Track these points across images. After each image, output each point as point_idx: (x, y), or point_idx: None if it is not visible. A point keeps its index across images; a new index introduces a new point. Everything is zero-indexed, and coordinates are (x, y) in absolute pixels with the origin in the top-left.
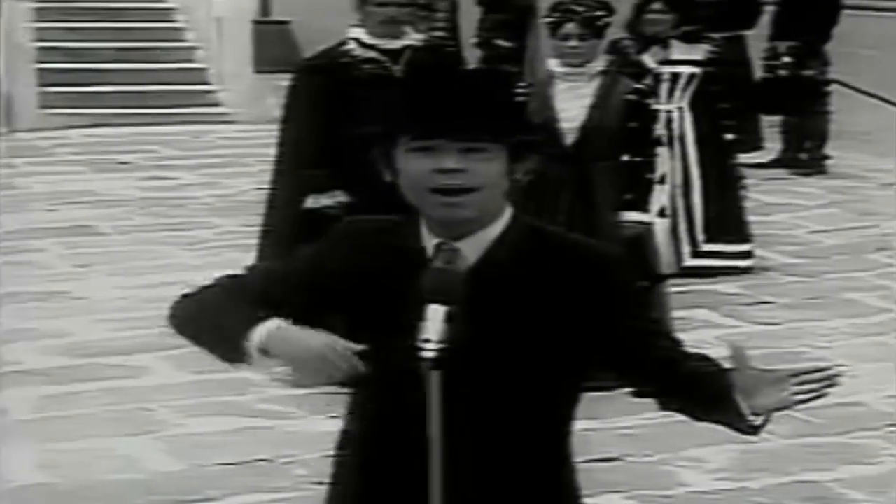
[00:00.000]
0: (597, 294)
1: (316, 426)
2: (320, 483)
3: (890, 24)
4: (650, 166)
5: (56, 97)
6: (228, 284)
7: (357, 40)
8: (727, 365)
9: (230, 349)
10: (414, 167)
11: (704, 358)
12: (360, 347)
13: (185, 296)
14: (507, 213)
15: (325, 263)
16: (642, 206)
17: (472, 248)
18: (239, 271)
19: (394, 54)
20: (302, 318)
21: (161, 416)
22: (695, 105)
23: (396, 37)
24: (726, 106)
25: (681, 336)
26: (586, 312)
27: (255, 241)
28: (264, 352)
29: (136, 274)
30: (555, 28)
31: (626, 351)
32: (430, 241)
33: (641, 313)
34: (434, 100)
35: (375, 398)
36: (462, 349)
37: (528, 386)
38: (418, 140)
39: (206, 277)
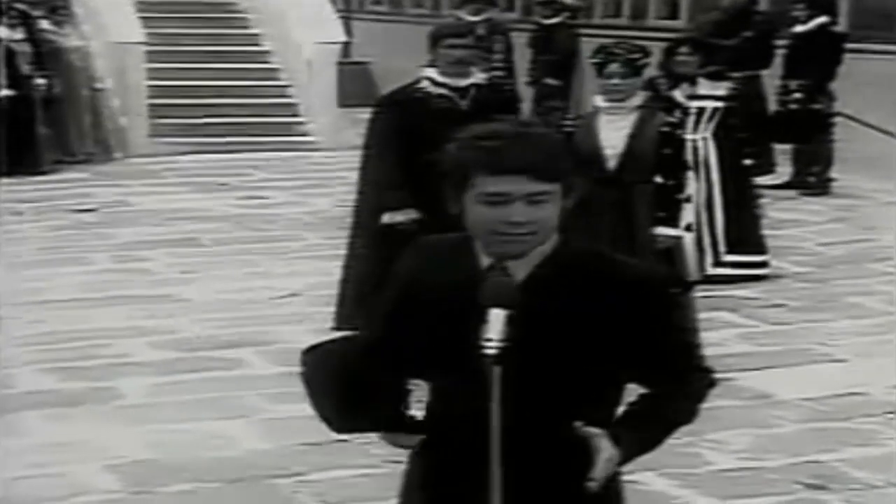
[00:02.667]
0: (630, 308)
1: None
2: (393, 461)
3: (888, 65)
4: (680, 188)
5: (165, 128)
6: (365, 348)
7: (429, 79)
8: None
9: (372, 422)
10: (483, 217)
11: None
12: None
13: (318, 351)
14: (555, 237)
15: (405, 279)
16: (673, 222)
17: (520, 267)
18: (364, 331)
19: (461, 91)
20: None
21: (254, 402)
22: (717, 135)
23: (463, 76)
24: (744, 135)
25: (702, 338)
26: (621, 323)
27: (336, 252)
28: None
29: (234, 280)
30: (600, 68)
31: (647, 361)
32: (484, 260)
33: (671, 326)
34: (506, 147)
35: (444, 391)
36: (518, 348)
37: (576, 380)
38: (490, 186)
39: (293, 283)
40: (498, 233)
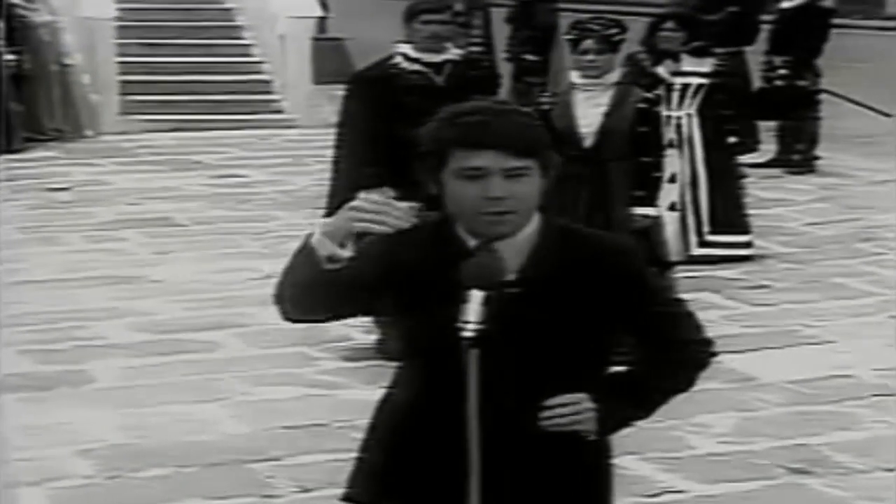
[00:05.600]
0: (615, 281)
1: (367, 395)
2: None
3: (874, 41)
4: (658, 166)
5: (137, 105)
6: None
7: (404, 55)
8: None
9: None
10: (463, 192)
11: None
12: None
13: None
14: (537, 216)
15: (378, 257)
16: (651, 202)
17: (507, 249)
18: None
19: (436, 67)
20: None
21: (230, 385)
22: (701, 112)
23: (439, 51)
24: (729, 112)
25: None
26: (607, 297)
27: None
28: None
29: (209, 260)
30: (575, 44)
31: (641, 326)
32: (468, 241)
33: (654, 295)
34: (483, 122)
35: (420, 372)
36: (497, 331)
37: (557, 362)
38: (468, 160)
39: (270, 264)
40: (479, 211)
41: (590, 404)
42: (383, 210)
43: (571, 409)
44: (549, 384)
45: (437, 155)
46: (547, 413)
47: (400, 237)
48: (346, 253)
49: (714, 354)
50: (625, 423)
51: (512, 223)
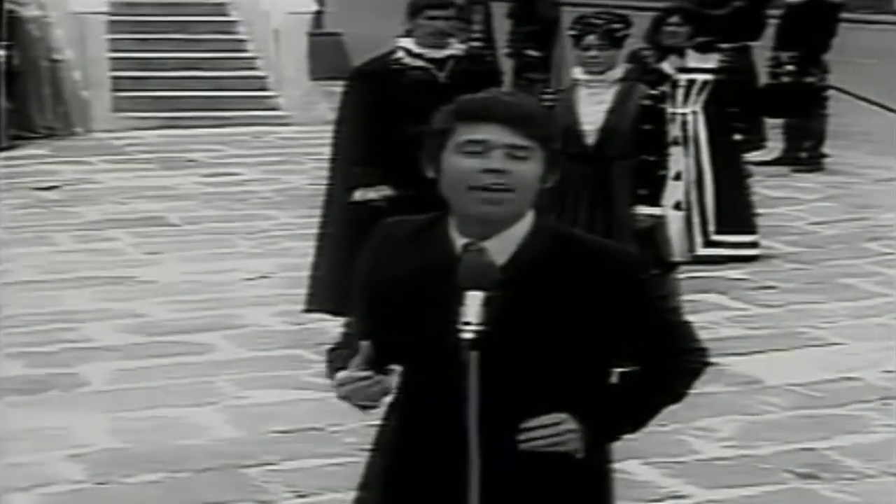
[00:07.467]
0: (609, 289)
1: None
2: (367, 450)
3: (883, 37)
4: (662, 165)
5: (128, 102)
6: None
7: (406, 50)
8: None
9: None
10: (462, 165)
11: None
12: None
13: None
14: (529, 216)
15: (372, 268)
16: (654, 201)
17: (497, 247)
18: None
19: (439, 62)
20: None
21: (223, 388)
22: (707, 108)
23: (442, 47)
24: (735, 109)
25: (690, 319)
26: (601, 304)
27: (308, 231)
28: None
29: (202, 261)
30: (578, 39)
31: (634, 334)
32: (458, 241)
33: (647, 308)
34: (488, 97)
35: (419, 377)
36: (496, 332)
37: (556, 365)
38: (471, 133)
39: (264, 264)
40: (475, 186)
41: (572, 425)
42: (359, 386)
43: (551, 431)
44: (547, 387)
45: (442, 133)
46: (524, 435)
47: (387, 241)
48: (385, 400)
49: (708, 364)
50: (612, 439)
51: (507, 205)
